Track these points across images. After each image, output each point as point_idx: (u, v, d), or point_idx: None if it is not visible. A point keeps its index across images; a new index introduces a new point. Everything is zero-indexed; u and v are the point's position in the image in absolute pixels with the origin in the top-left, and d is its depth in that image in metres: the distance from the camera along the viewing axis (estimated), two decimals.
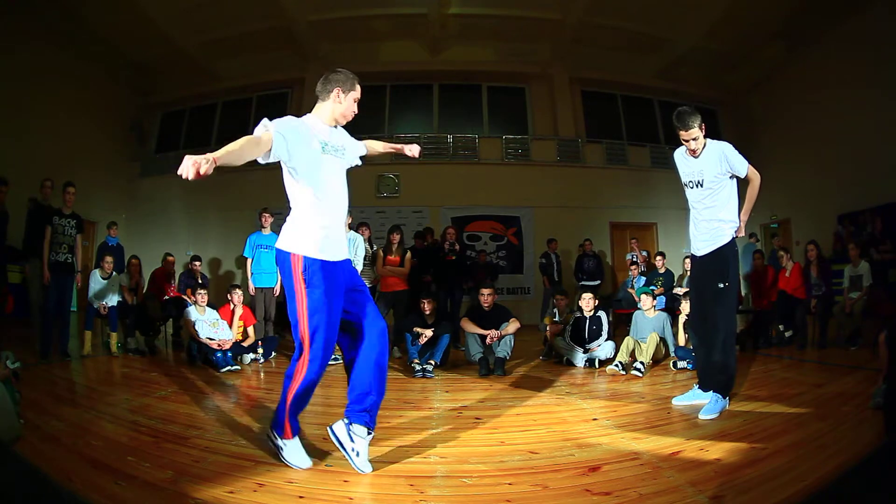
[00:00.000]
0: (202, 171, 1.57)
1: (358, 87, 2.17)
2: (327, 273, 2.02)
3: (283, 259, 2.05)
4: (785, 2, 8.44)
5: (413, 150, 2.56)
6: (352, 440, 1.99)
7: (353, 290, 2.17)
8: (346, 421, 2.03)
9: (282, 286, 5.15)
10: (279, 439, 2.05)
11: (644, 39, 10.02)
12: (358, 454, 1.98)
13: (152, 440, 2.30)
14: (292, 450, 2.03)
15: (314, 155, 2.03)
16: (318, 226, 2.04)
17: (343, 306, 2.10)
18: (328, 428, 2.06)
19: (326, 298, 2.00)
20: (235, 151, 1.76)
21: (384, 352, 2.14)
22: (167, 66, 10.39)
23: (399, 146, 2.61)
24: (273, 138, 1.89)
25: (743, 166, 2.88)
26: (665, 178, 10.02)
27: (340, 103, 2.14)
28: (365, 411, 2.04)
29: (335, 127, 2.19)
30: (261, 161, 1.93)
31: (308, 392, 2.07)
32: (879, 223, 7.97)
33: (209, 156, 1.60)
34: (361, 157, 2.40)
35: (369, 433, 2.03)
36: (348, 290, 2.14)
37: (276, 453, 2.05)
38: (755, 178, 2.93)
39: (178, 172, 1.56)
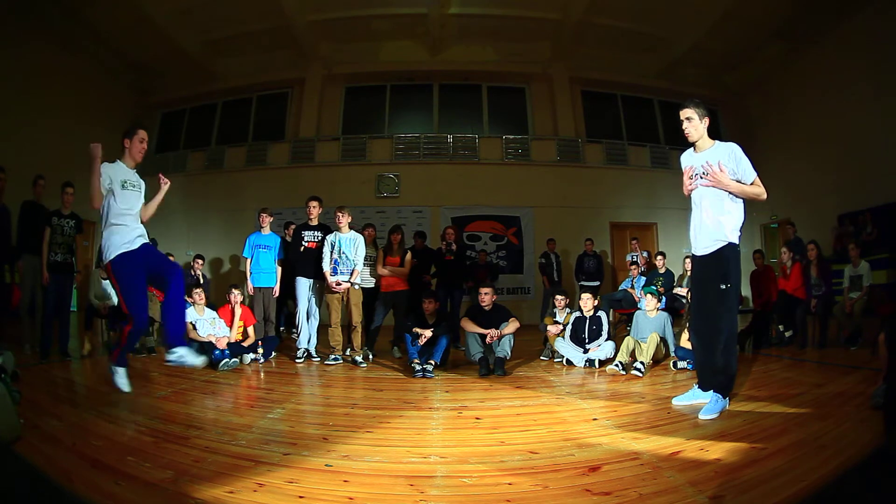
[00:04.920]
0: None
1: (140, 131, 3.14)
2: (129, 259, 2.97)
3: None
4: (785, 2, 8.44)
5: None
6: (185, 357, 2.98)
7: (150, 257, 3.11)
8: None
9: (281, 286, 5.24)
10: (113, 366, 3.09)
11: (644, 39, 10.03)
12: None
13: (152, 440, 2.30)
14: (122, 375, 3.09)
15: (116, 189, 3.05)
16: (120, 230, 3.01)
17: (147, 275, 3.05)
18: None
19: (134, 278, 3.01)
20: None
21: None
22: (167, 66, 10.40)
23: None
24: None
25: (750, 173, 2.77)
26: (665, 178, 10.06)
27: (128, 147, 3.15)
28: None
29: (134, 169, 3.19)
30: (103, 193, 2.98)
31: (139, 336, 3.43)
32: (869, 216, 8.11)
33: None
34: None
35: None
36: (148, 262, 3.06)
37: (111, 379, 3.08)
38: (761, 193, 2.80)
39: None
